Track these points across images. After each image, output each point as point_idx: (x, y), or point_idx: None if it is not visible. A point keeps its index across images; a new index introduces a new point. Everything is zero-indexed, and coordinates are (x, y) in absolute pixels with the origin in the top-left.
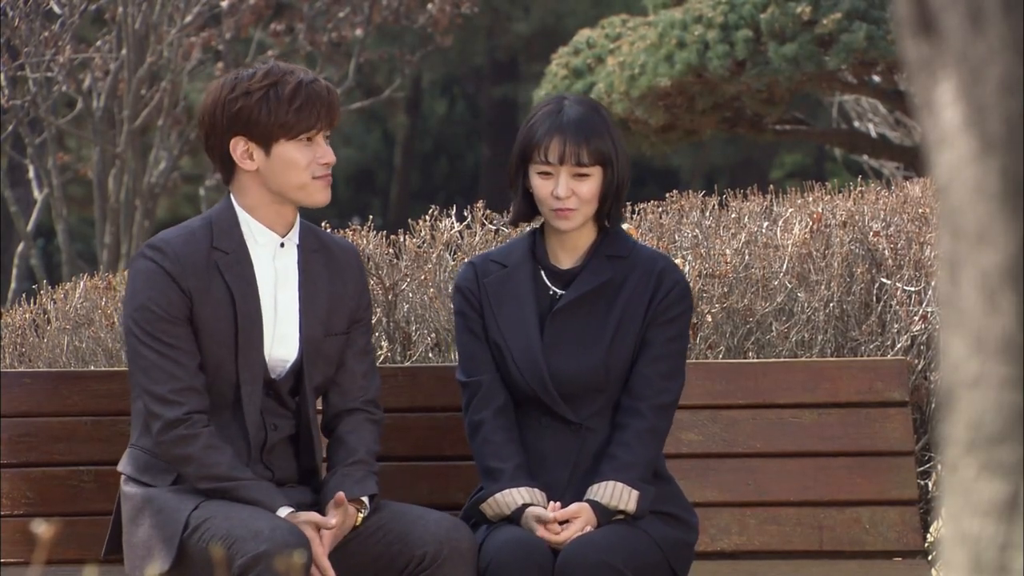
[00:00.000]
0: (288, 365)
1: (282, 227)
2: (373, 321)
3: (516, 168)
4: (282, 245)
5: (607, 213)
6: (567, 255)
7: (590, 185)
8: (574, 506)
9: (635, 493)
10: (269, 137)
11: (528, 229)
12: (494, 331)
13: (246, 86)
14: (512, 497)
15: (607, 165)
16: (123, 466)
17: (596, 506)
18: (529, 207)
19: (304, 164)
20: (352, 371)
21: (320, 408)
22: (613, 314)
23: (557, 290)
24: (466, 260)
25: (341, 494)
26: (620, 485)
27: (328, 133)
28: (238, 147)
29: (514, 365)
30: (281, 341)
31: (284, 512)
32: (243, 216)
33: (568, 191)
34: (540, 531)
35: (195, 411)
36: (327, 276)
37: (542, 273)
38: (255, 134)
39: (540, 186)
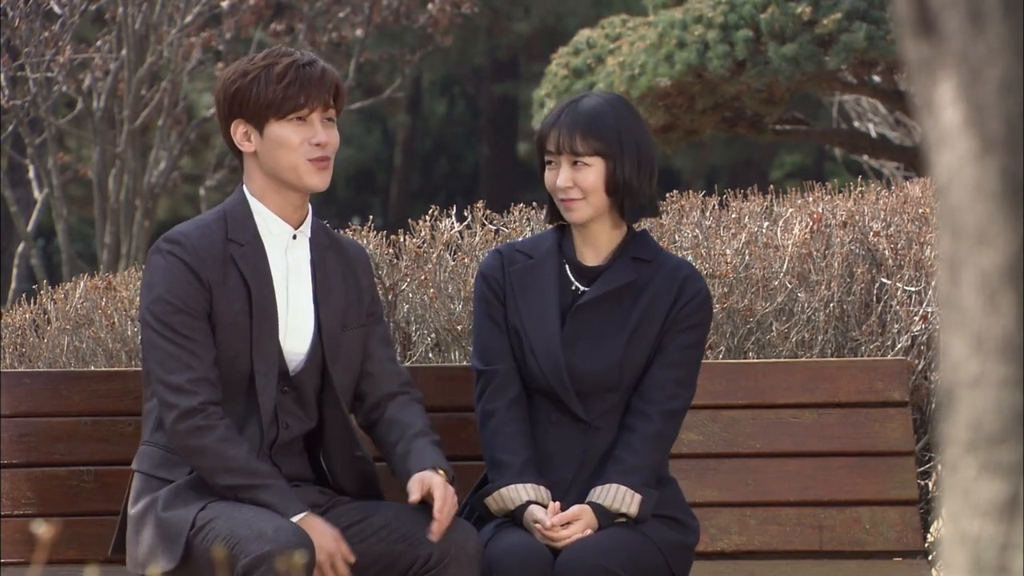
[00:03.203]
0: (302, 358)
1: (293, 217)
2: None
3: (539, 165)
4: (294, 237)
5: (621, 207)
6: (592, 252)
7: (590, 176)
8: (575, 508)
9: (637, 497)
10: (261, 117)
11: (556, 224)
12: (515, 319)
13: (244, 68)
14: (517, 493)
15: (607, 157)
16: (138, 463)
17: (598, 508)
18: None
19: (296, 144)
20: (379, 358)
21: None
22: (633, 315)
23: (580, 286)
24: (492, 248)
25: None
26: (623, 488)
27: (328, 116)
28: (238, 130)
29: (532, 355)
30: (294, 333)
31: (298, 519)
32: (256, 206)
33: (568, 181)
34: (539, 534)
35: (210, 402)
36: (341, 271)
37: (567, 268)
38: (248, 115)
39: (547, 177)
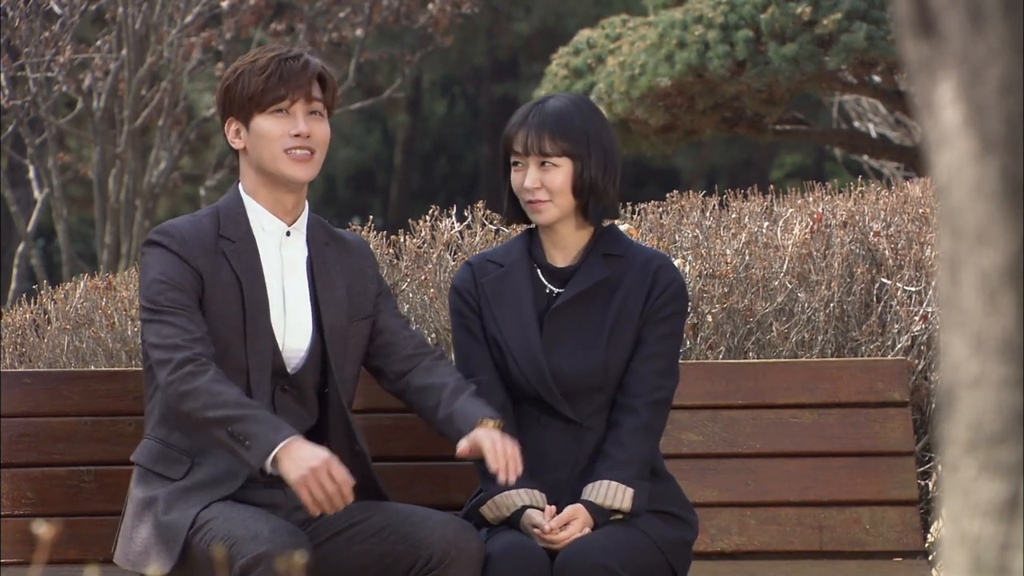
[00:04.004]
0: (302, 355)
1: (286, 214)
2: None
3: (503, 166)
4: (288, 234)
5: (586, 208)
6: (561, 254)
7: (558, 176)
8: (569, 508)
9: (629, 491)
10: (246, 112)
11: (524, 229)
12: (493, 330)
13: (236, 66)
14: (512, 499)
15: (575, 158)
16: (137, 456)
17: (591, 506)
18: (517, 205)
19: (276, 136)
20: (392, 329)
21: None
22: (610, 312)
23: (554, 288)
24: (464, 261)
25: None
26: (614, 484)
27: (314, 109)
28: (230, 128)
29: (514, 363)
30: (293, 330)
31: (287, 440)
32: (249, 203)
33: (536, 182)
34: (538, 539)
35: (204, 354)
36: (342, 266)
37: (539, 272)
38: (236, 111)
39: (513, 178)
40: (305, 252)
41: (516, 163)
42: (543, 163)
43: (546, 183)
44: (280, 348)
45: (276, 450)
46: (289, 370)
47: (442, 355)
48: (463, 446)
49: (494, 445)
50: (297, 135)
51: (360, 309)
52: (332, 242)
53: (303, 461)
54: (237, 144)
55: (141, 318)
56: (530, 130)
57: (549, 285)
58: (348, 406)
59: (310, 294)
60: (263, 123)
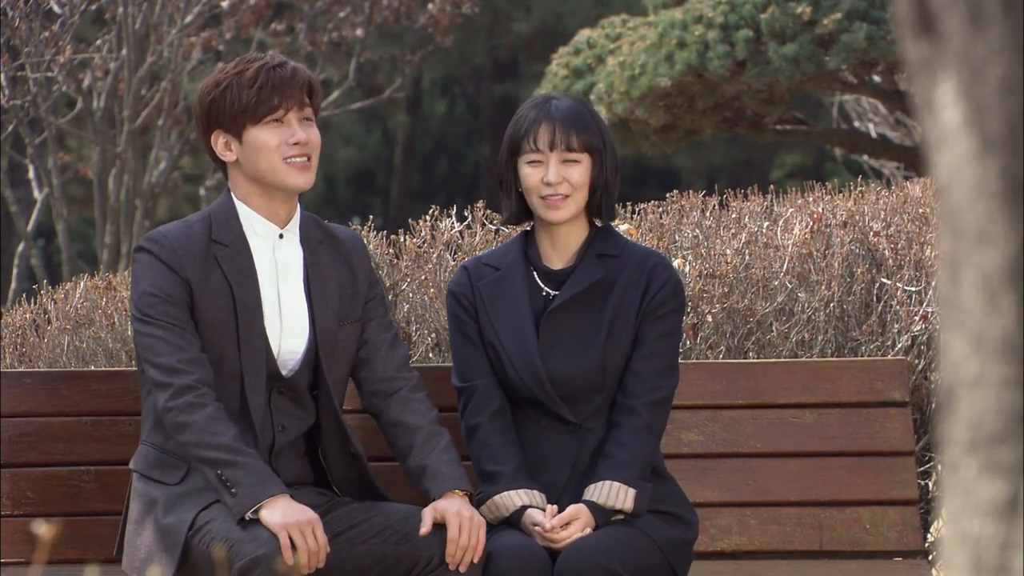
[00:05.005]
0: (298, 357)
1: (279, 218)
2: None
3: (506, 164)
4: (281, 236)
5: (597, 207)
6: (558, 255)
7: (580, 172)
8: (571, 508)
9: (631, 492)
10: (238, 125)
11: (520, 232)
12: (490, 333)
13: (216, 79)
14: (511, 499)
15: (595, 154)
16: (134, 463)
17: (593, 507)
18: (521, 207)
19: (274, 146)
20: (376, 344)
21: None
22: (606, 313)
23: (550, 291)
24: (460, 264)
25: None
26: (616, 484)
27: (305, 116)
28: (218, 141)
29: (511, 367)
30: (289, 332)
31: (274, 495)
32: (241, 208)
33: (559, 177)
34: (538, 537)
35: (204, 382)
36: (335, 266)
37: (535, 275)
38: (226, 124)
39: (530, 175)
40: (300, 253)
41: (534, 160)
42: (567, 159)
43: (568, 178)
44: (275, 351)
45: (260, 504)
46: (284, 372)
47: (419, 384)
48: (428, 523)
49: (459, 532)
50: (296, 143)
51: (350, 311)
52: (326, 240)
53: (291, 513)
54: (228, 157)
55: (133, 326)
56: (555, 125)
57: (545, 288)
58: (339, 407)
59: (305, 295)
60: (259, 135)
